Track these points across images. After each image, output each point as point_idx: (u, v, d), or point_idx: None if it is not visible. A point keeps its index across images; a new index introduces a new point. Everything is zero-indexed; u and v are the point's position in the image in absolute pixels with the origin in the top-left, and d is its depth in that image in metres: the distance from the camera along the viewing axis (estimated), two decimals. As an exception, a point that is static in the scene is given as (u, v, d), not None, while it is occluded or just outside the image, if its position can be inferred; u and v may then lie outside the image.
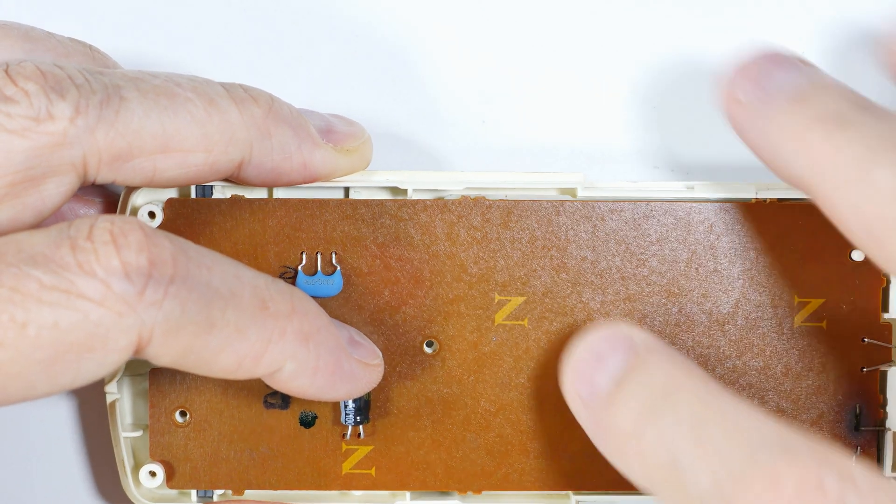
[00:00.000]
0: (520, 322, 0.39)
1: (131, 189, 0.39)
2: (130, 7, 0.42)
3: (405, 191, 0.39)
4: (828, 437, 0.39)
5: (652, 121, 0.42)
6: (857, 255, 0.38)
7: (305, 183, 0.38)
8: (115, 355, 0.32)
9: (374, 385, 0.38)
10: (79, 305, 0.32)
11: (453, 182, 0.39)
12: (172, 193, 0.39)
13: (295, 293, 0.35)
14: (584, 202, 0.39)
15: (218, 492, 0.40)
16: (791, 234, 0.38)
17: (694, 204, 0.39)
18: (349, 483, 0.39)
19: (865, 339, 0.38)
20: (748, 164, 0.38)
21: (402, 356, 0.39)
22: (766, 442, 0.31)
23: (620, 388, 0.34)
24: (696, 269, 0.39)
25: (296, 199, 0.39)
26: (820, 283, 0.39)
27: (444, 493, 0.40)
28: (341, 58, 0.42)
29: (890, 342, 0.39)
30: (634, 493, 0.39)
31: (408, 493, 0.40)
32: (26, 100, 0.33)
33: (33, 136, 0.33)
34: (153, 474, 0.39)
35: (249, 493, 0.40)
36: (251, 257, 0.39)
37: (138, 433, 0.40)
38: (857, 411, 0.39)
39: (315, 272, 0.39)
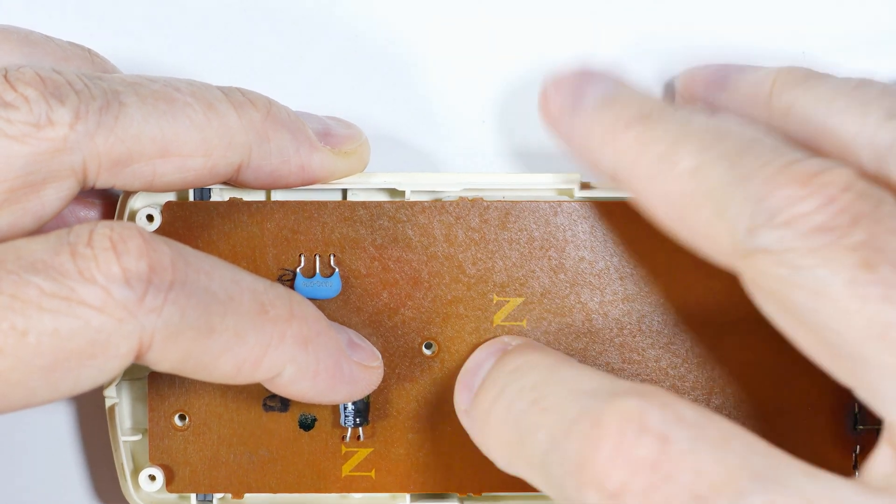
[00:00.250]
0: (518, 323, 0.39)
1: (129, 193, 0.39)
2: (130, 10, 0.41)
3: (403, 192, 0.39)
4: (826, 437, 0.39)
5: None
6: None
7: (303, 185, 0.38)
8: (115, 362, 0.32)
9: (375, 387, 0.38)
10: (79, 312, 0.32)
11: (451, 183, 0.39)
12: (170, 196, 0.39)
13: (293, 297, 0.35)
14: (582, 202, 0.39)
15: (217, 495, 0.40)
16: None
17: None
18: (349, 486, 0.39)
19: None
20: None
21: (401, 358, 0.39)
22: (596, 392, 0.32)
23: (484, 380, 0.36)
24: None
25: (294, 202, 0.39)
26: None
27: (444, 495, 0.40)
28: (341, 59, 0.42)
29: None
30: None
31: (408, 496, 0.40)
32: (26, 106, 0.33)
33: (33, 142, 0.33)
34: (153, 478, 0.39)
35: (249, 497, 0.40)
36: (250, 260, 0.39)
37: (137, 437, 0.40)
38: (856, 410, 0.39)
39: (313, 274, 0.39)
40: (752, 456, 0.30)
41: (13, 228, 0.34)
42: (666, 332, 0.39)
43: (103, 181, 0.35)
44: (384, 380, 0.39)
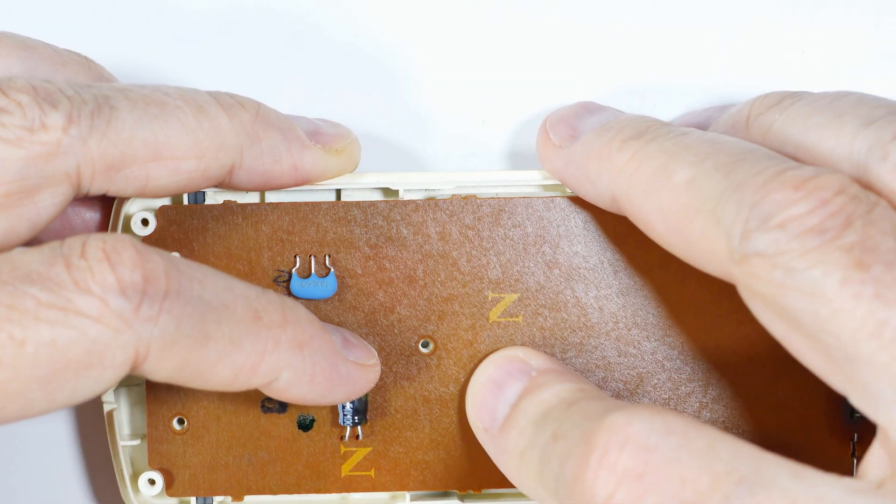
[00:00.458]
0: (514, 319, 0.39)
1: (123, 199, 0.39)
2: (127, 16, 0.41)
3: (396, 192, 0.39)
4: (824, 426, 0.39)
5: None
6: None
7: (296, 185, 0.38)
8: (112, 372, 0.32)
9: (372, 385, 0.38)
10: (76, 322, 0.32)
11: (444, 182, 0.39)
12: (165, 200, 0.39)
13: (286, 302, 0.35)
14: (575, 197, 0.39)
15: (217, 498, 0.40)
16: None
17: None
18: (349, 485, 0.39)
19: None
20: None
21: (398, 356, 0.39)
22: (594, 414, 0.33)
23: (513, 411, 0.36)
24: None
25: (288, 203, 0.39)
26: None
27: (444, 493, 0.40)
28: (340, 59, 0.42)
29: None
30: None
31: (407, 495, 0.40)
32: (20, 110, 0.34)
33: (28, 146, 0.33)
34: (152, 482, 0.39)
35: (249, 499, 0.40)
36: (245, 262, 0.39)
37: (136, 442, 0.40)
38: (852, 399, 0.39)
39: (309, 275, 0.39)
40: (737, 461, 0.30)
41: (8, 235, 0.34)
42: (661, 324, 0.39)
43: (97, 187, 0.35)
44: (382, 378, 0.39)
